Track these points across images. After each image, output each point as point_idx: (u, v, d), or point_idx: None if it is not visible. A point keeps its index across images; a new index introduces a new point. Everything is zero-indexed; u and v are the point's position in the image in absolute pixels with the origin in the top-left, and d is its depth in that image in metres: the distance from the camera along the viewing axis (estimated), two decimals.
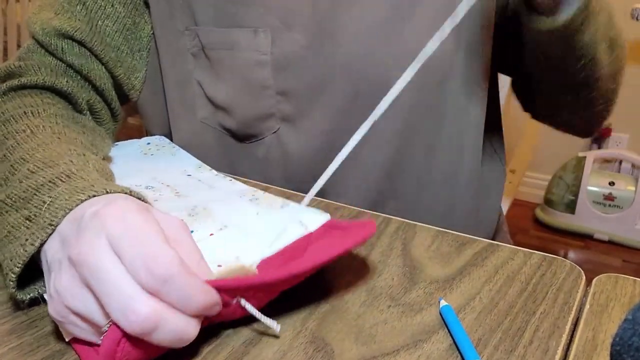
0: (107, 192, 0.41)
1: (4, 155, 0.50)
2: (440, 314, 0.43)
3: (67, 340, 0.38)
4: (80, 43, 0.64)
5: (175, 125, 0.72)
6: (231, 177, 0.62)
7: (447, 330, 0.41)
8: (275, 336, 0.40)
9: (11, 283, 0.39)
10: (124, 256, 0.34)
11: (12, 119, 0.55)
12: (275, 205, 0.51)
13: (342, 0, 0.63)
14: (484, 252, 0.52)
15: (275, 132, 0.68)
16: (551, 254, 0.51)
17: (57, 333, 0.40)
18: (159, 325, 0.34)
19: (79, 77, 0.65)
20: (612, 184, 2.21)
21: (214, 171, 0.63)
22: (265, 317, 0.39)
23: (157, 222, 0.36)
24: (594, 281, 0.48)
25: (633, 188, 2.19)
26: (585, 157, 2.22)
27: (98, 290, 0.34)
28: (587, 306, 0.45)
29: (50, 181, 0.43)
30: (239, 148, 0.70)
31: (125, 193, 0.41)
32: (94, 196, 0.40)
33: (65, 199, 0.40)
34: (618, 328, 0.32)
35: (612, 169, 2.35)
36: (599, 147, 2.34)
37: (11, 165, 0.47)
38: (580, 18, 0.56)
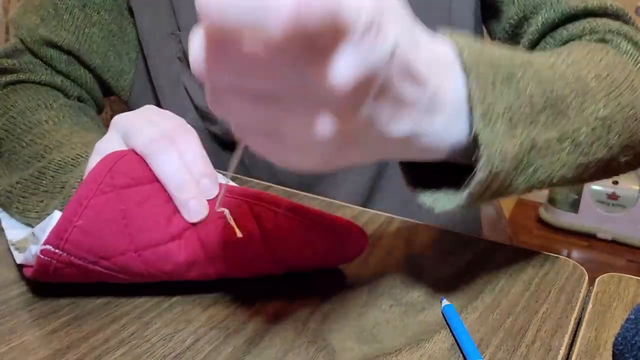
0: None
1: (32, 140, 0.55)
2: (442, 313, 0.43)
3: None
4: (68, 52, 0.66)
5: None
6: (225, 174, 0.62)
7: (449, 330, 0.41)
8: (277, 335, 0.40)
9: None
10: (155, 121, 0.45)
11: (27, 110, 0.59)
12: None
13: None
14: (487, 252, 0.51)
15: None
16: (554, 253, 0.51)
17: (59, 332, 0.40)
18: (166, 150, 0.42)
19: (67, 79, 0.67)
20: (615, 183, 2.21)
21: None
22: (235, 226, 0.42)
23: None
24: (597, 281, 0.48)
25: (637, 187, 2.18)
26: None
27: (130, 131, 0.44)
28: (590, 306, 0.44)
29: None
30: (227, 154, 0.70)
31: None
32: None
33: None
34: (621, 327, 0.32)
35: None
36: None
37: (46, 145, 0.53)
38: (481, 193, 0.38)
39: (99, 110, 0.73)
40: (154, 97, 0.73)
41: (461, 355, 0.39)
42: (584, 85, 0.43)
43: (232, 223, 0.42)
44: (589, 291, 0.47)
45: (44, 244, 0.39)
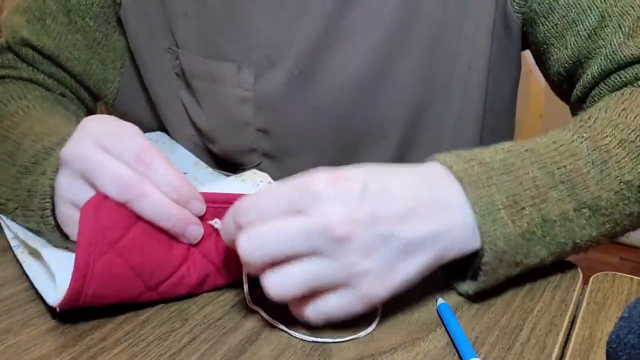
0: None
1: (3, 135, 0.54)
2: (438, 312, 0.43)
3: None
4: (48, 57, 0.65)
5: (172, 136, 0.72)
6: (226, 174, 0.62)
7: (444, 329, 0.41)
8: (273, 334, 0.40)
9: (49, 226, 0.45)
10: (112, 149, 0.40)
11: (0, 102, 0.59)
12: (260, 185, 0.53)
13: (325, 45, 0.60)
14: None
15: (257, 166, 0.66)
16: None
17: (54, 332, 0.40)
18: (142, 192, 0.39)
19: (50, 78, 0.67)
20: None
21: (209, 169, 0.64)
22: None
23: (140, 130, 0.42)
24: (591, 279, 0.48)
25: None
26: None
27: (90, 174, 0.40)
28: (584, 304, 0.45)
29: (57, 144, 0.47)
30: (225, 172, 0.69)
31: None
32: None
33: None
34: (614, 326, 0.32)
35: None
36: None
37: (14, 141, 0.52)
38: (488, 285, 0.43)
39: (88, 109, 0.72)
40: (148, 107, 0.72)
41: (456, 354, 0.39)
42: (604, 153, 0.44)
43: None
44: (583, 290, 0.47)
45: (59, 306, 0.39)
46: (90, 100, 0.71)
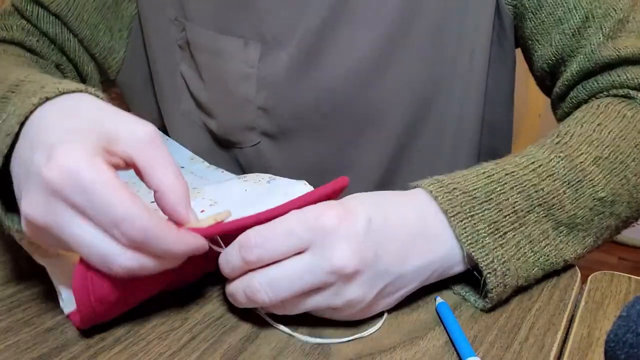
0: (61, 93, 0.38)
1: None
2: (437, 311, 0.43)
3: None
4: (56, 15, 0.63)
5: (164, 113, 0.71)
6: (223, 169, 0.62)
7: (443, 327, 0.41)
8: (273, 333, 0.40)
9: None
10: (93, 219, 0.34)
11: None
12: (262, 181, 0.52)
13: (330, 29, 0.60)
14: None
15: (255, 145, 0.66)
16: None
17: (54, 331, 0.40)
18: (142, 268, 0.35)
19: (52, 45, 0.64)
20: None
21: (205, 163, 0.64)
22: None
23: (115, 172, 0.35)
24: (589, 278, 0.48)
25: None
26: None
27: (67, 244, 0.35)
28: (583, 303, 0.45)
29: (2, 97, 0.41)
30: (221, 151, 0.69)
31: (80, 91, 0.39)
32: (47, 98, 0.38)
33: (18, 107, 0.38)
34: (612, 325, 0.32)
35: None
36: None
37: None
38: (500, 297, 0.43)
39: (83, 81, 0.68)
40: (149, 81, 0.71)
41: (455, 353, 0.39)
42: (579, 172, 0.47)
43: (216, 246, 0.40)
44: (581, 289, 0.47)
45: (70, 318, 0.40)
46: (94, 75, 0.68)
